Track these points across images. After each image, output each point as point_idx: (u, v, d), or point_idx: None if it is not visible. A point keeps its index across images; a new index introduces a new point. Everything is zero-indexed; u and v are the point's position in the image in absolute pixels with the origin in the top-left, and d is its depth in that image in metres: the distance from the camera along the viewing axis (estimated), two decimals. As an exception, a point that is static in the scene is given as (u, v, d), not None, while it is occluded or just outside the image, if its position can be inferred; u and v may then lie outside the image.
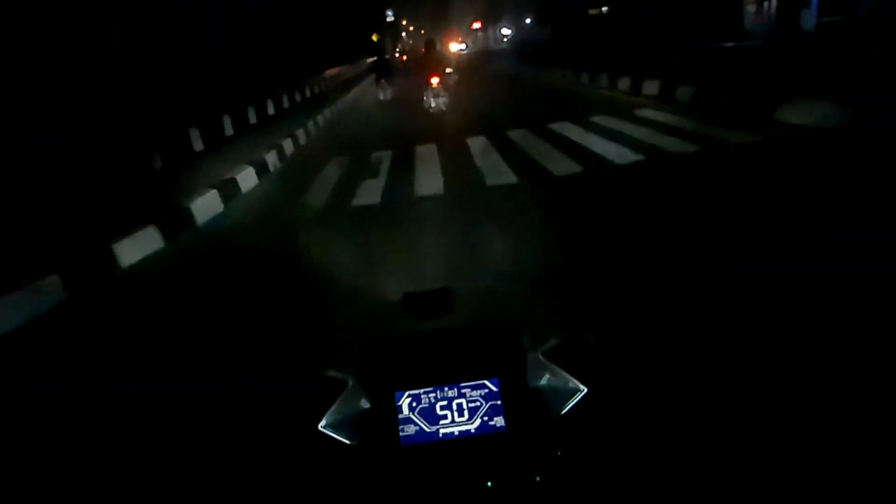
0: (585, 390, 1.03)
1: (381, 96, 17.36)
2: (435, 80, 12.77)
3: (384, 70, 17.74)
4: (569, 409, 1.03)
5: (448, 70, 13.81)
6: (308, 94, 20.58)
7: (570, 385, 1.05)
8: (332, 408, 1.06)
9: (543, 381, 1.06)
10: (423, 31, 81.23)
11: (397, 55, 57.36)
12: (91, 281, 4.46)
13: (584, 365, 1.06)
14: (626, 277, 3.27)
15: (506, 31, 58.04)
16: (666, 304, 2.79)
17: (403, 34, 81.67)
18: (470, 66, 27.45)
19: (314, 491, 0.98)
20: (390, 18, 62.71)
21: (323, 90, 23.08)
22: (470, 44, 63.02)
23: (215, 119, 11.31)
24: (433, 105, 12.89)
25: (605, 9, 27.99)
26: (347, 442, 1.03)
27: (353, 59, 33.73)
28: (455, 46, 53.19)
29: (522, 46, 34.99)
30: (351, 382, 1.08)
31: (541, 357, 1.07)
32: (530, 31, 46.62)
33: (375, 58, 21.57)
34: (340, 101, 18.09)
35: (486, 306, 1.24)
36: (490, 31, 65.72)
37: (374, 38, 23.14)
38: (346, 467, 0.99)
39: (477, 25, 67.27)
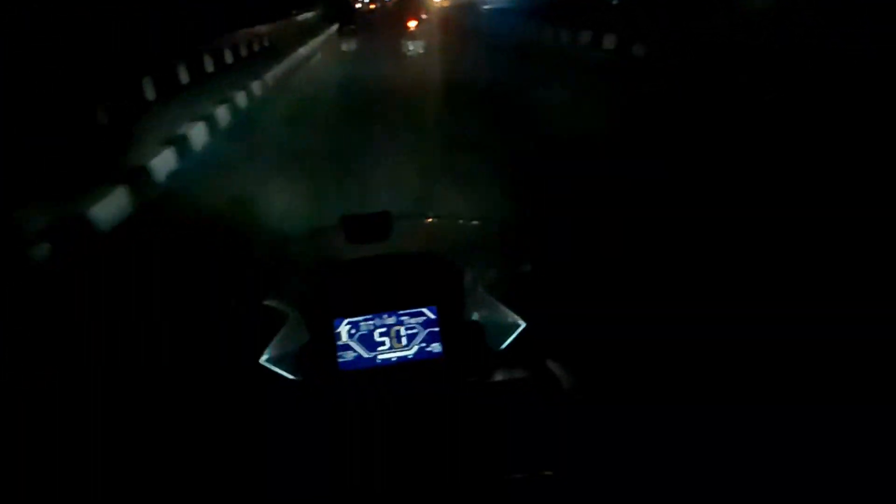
0: (524, 325, 1.06)
1: (345, 46, 16.60)
2: (413, 24, 15.72)
3: (347, 17, 17.24)
4: (509, 343, 1.06)
5: (424, 16, 16.25)
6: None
7: (510, 320, 1.08)
8: (273, 341, 1.08)
9: (484, 314, 1.09)
10: None
11: (362, 4, 54.44)
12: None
13: (523, 298, 1.09)
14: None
15: None
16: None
17: None
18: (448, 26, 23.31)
19: (258, 424, 0.99)
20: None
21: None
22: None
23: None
24: (410, 49, 14.57)
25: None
26: (289, 376, 1.06)
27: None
28: None
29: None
30: (291, 314, 1.09)
31: (480, 290, 1.10)
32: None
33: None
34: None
35: (425, 233, 1.25)
36: None
37: None
38: (288, 398, 1.02)
39: None
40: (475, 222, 1.26)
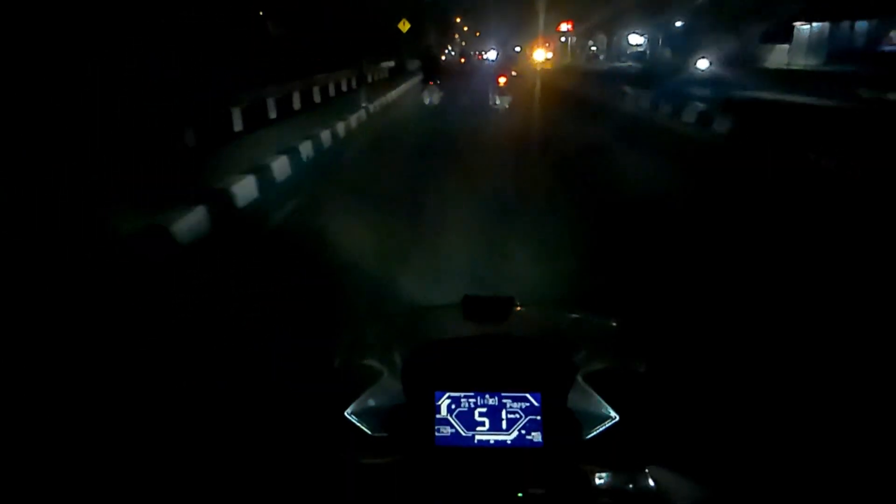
0: (617, 418, 1.02)
1: (427, 100, 15.84)
2: (502, 80, 15.49)
3: (433, 70, 16.45)
4: (596, 434, 1.02)
5: (514, 73, 16.67)
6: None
7: (603, 410, 1.04)
8: (362, 397, 1.07)
9: (578, 402, 1.05)
10: (477, 34, 77.46)
11: (448, 56, 55.49)
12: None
13: (621, 393, 1.06)
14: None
15: (636, 40, 43.09)
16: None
17: (457, 35, 76.60)
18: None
19: (336, 476, 0.98)
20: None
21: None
22: (550, 54, 46.42)
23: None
24: (497, 102, 15.06)
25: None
26: (370, 433, 1.04)
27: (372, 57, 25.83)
28: (541, 55, 40.31)
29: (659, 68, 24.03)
30: (385, 375, 1.08)
31: (580, 379, 1.07)
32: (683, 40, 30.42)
33: (421, 57, 19.36)
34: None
35: (541, 320, 1.24)
36: (598, 39, 51.33)
37: (404, 26, 19.66)
38: (370, 458, 1.00)
39: (565, 27, 47.34)
40: (595, 317, 1.24)
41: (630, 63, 37.97)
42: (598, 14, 42.68)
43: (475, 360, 1.07)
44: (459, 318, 1.14)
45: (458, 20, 72.38)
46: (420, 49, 23.49)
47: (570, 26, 47.03)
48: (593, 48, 56.84)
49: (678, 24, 34.02)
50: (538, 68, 33.08)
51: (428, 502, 0.94)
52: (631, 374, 1.07)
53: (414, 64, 31.32)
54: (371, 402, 1.08)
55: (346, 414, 1.06)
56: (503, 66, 16.72)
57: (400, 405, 1.05)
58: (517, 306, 1.16)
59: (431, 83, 15.87)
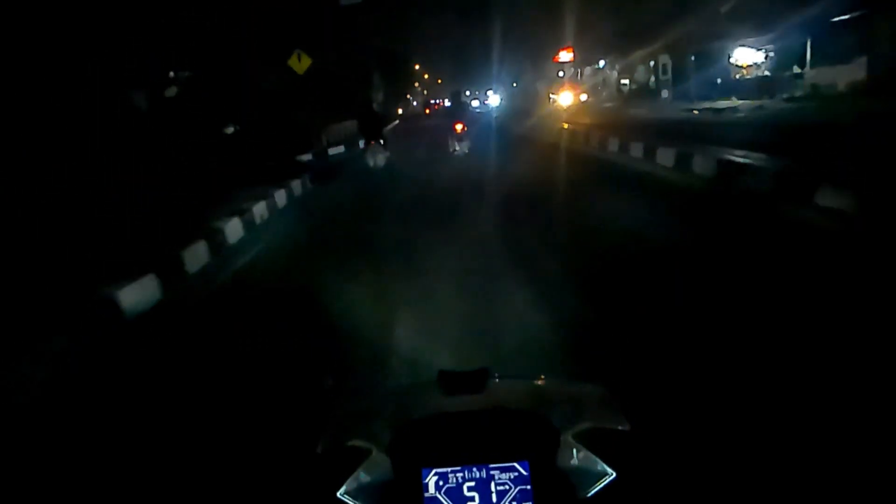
0: (614, 475, 1.02)
1: (371, 163, 13.78)
2: (459, 127, 15.90)
3: (372, 128, 13.86)
4: (595, 493, 1.01)
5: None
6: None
7: (598, 468, 1.04)
8: (354, 475, 1.05)
9: (571, 463, 1.05)
10: (439, 81, 75.98)
11: (410, 106, 52.79)
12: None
13: (615, 451, 1.05)
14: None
15: (749, 56, 24.74)
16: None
17: (416, 84, 72.19)
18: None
19: None
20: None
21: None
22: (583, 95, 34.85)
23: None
24: (457, 149, 15.54)
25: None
26: None
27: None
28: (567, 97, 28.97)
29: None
30: (374, 452, 1.07)
31: (570, 439, 1.06)
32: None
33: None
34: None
35: (521, 389, 1.24)
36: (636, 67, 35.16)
37: (299, 64, 16.92)
38: None
39: (566, 57, 33.37)
40: (576, 384, 1.25)
41: (737, 103, 20.99)
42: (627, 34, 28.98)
43: (459, 434, 1.06)
44: (437, 393, 1.13)
45: (417, 67, 67.55)
46: (358, 104, 19.12)
47: (570, 55, 33.45)
48: (624, 83, 38.53)
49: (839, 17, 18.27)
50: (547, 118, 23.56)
51: None
52: (619, 434, 1.07)
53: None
54: (363, 480, 1.06)
55: (339, 495, 1.04)
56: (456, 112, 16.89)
57: (391, 482, 1.04)
58: (494, 377, 1.16)
59: (373, 143, 13.75)
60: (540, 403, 1.11)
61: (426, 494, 1.00)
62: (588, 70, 42.80)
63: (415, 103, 61.87)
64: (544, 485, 1.00)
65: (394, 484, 1.03)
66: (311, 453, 1.10)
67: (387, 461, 1.05)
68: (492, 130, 22.91)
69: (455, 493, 1.00)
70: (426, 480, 1.01)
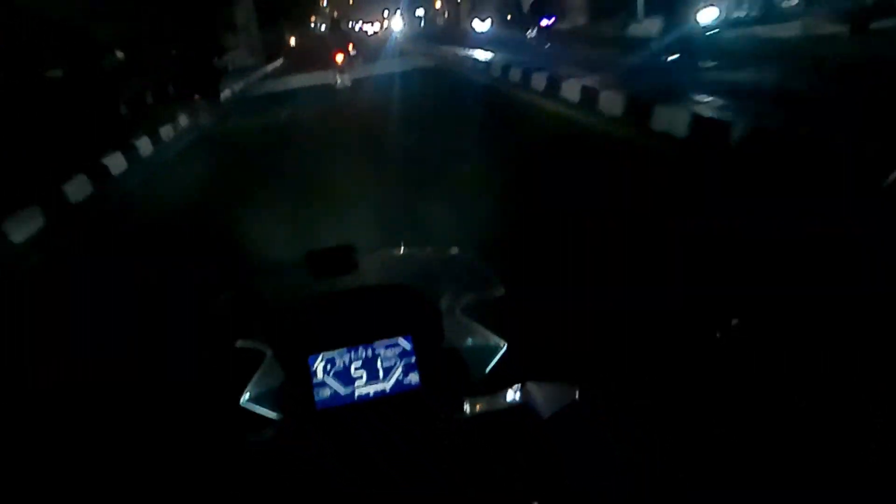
0: (506, 346, 1.05)
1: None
2: (339, 58, 14.33)
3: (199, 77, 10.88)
4: (492, 367, 1.05)
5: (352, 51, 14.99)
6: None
7: (492, 342, 1.07)
8: (252, 381, 1.05)
9: (463, 339, 1.07)
10: (351, 2, 67.77)
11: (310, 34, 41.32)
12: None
13: (502, 319, 1.09)
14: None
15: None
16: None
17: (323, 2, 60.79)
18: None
19: (240, 465, 0.96)
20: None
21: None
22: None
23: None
24: (339, 82, 14.13)
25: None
26: (270, 414, 1.03)
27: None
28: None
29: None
30: (267, 353, 1.06)
31: (458, 314, 1.09)
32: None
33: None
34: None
35: (394, 264, 1.24)
36: None
37: None
38: (256, 435, 0.99)
39: None
40: (446, 250, 1.25)
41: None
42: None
43: (340, 316, 1.06)
44: (307, 276, 1.11)
45: None
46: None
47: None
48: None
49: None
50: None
51: (317, 467, 0.94)
52: (496, 301, 1.10)
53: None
54: (261, 385, 1.06)
55: (241, 403, 1.03)
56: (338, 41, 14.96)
57: (283, 377, 1.04)
58: (365, 253, 1.15)
59: (197, 97, 11.14)
60: (415, 276, 1.12)
61: (315, 380, 1.01)
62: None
63: (322, 28, 55.07)
64: (428, 356, 1.03)
65: (285, 380, 1.04)
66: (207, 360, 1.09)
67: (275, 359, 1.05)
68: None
69: (343, 375, 1.02)
70: (314, 367, 1.01)
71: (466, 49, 16.77)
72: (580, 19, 20.27)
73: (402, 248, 1.29)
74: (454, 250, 1.22)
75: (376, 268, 1.18)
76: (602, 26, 17.92)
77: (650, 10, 15.22)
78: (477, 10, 27.89)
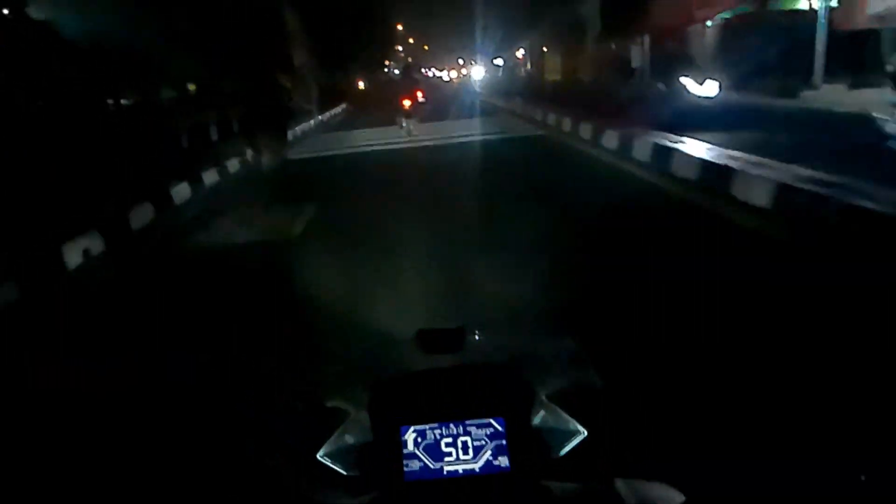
0: (585, 433, 1.04)
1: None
2: (407, 103, 14.73)
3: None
4: (567, 451, 1.04)
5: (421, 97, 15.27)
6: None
7: (571, 427, 1.06)
8: (333, 437, 1.06)
9: (544, 421, 1.07)
10: (426, 47, 66.40)
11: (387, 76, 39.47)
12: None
13: (588, 410, 1.08)
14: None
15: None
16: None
17: (399, 47, 59.97)
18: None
19: None
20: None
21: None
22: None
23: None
24: (404, 125, 14.69)
25: None
26: (345, 473, 1.04)
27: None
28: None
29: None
30: (353, 413, 1.08)
31: (544, 398, 1.08)
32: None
33: None
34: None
35: (495, 345, 1.26)
36: None
37: None
38: (344, 498, 0.99)
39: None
40: (549, 339, 1.27)
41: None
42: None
43: (436, 391, 1.07)
44: (416, 351, 1.15)
45: (401, 28, 55.95)
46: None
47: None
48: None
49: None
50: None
51: None
52: (591, 391, 1.10)
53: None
54: (342, 442, 1.07)
55: (318, 457, 1.05)
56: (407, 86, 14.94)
57: (370, 443, 1.05)
58: (474, 335, 1.19)
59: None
60: (516, 361, 1.13)
61: (405, 451, 1.02)
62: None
63: (395, 72, 56.15)
64: (519, 440, 1.03)
65: (373, 443, 1.05)
66: (290, 415, 1.11)
67: (365, 420, 1.06)
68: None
69: (433, 450, 1.02)
70: (405, 437, 1.02)
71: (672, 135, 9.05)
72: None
73: (511, 332, 1.32)
74: (561, 342, 1.22)
75: (482, 347, 1.19)
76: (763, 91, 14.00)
77: (831, 70, 12.01)
78: (682, 65, 19.39)
